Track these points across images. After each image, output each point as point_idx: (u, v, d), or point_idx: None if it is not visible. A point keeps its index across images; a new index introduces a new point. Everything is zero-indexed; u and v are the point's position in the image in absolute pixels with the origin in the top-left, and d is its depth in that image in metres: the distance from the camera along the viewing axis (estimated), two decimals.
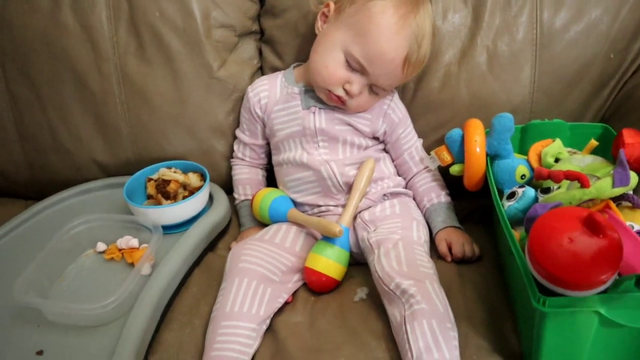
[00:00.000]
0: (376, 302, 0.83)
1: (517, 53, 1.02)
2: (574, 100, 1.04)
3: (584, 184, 0.71)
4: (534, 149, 0.92)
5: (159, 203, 0.98)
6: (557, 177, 0.73)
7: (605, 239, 0.60)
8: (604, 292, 0.61)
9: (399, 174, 1.03)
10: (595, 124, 0.98)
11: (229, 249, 0.96)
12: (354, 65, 0.89)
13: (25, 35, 1.05)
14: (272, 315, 0.82)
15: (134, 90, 1.07)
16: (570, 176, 0.73)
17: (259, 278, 0.82)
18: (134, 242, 0.92)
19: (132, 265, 0.90)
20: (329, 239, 0.87)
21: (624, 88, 1.05)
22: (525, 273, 0.65)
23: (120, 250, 0.93)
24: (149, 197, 1.01)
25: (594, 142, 0.91)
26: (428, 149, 1.02)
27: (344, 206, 0.93)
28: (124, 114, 1.08)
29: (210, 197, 1.04)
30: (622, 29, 1.01)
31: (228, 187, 1.10)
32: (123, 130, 1.09)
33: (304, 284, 0.89)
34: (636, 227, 0.71)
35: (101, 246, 0.94)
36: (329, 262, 0.86)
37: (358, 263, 0.94)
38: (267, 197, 0.98)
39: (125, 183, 0.99)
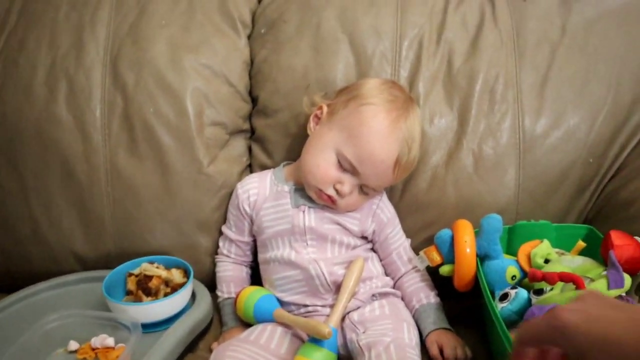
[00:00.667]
0: None
1: (501, 156, 1.04)
2: (557, 202, 1.06)
3: (579, 286, 0.71)
4: (523, 250, 0.93)
5: (139, 299, 0.94)
6: (552, 279, 0.73)
7: None
8: None
9: (386, 274, 1.02)
10: (580, 225, 1.00)
11: (210, 350, 0.92)
12: (345, 166, 0.91)
13: (17, 126, 1.05)
14: None
15: (122, 183, 1.06)
16: (565, 278, 0.72)
17: None
18: (110, 341, 0.88)
19: None
20: (316, 340, 0.84)
21: (604, 191, 1.07)
22: None
23: (94, 349, 0.87)
24: (129, 292, 0.97)
25: (581, 244, 0.92)
26: (416, 248, 1.02)
27: (331, 306, 0.91)
28: (109, 205, 1.06)
29: (193, 294, 1.01)
30: (599, 136, 1.05)
31: (211, 284, 1.07)
32: (106, 222, 1.07)
33: None
34: None
35: (73, 345, 0.88)
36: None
37: None
38: (252, 296, 0.95)
39: (105, 277, 0.96)
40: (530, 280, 0.77)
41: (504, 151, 1.05)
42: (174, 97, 1.05)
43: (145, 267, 0.99)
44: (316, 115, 0.98)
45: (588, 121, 1.05)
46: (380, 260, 1.02)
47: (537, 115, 1.05)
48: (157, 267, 0.99)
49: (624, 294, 0.75)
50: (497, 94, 1.06)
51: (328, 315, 0.89)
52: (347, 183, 0.91)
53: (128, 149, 1.06)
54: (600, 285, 0.71)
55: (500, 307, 0.81)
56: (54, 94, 1.05)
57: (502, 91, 1.06)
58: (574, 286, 0.72)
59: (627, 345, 0.35)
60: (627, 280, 0.73)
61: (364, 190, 0.94)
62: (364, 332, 0.86)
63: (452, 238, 0.93)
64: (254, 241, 1.04)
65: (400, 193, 1.07)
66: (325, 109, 0.96)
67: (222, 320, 1.01)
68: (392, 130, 0.90)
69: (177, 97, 1.05)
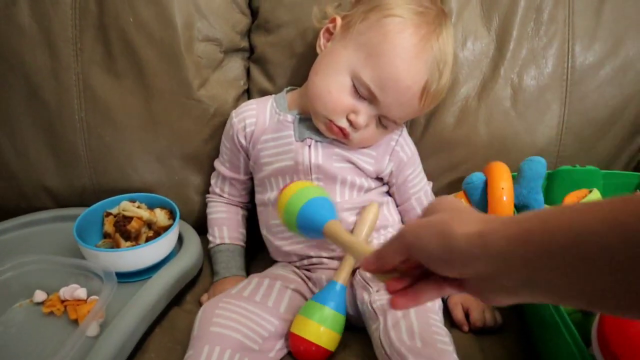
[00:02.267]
0: None
1: (544, 89, 0.92)
2: (606, 145, 0.95)
3: None
4: (568, 200, 0.82)
5: (116, 244, 0.84)
6: None
7: None
8: None
9: (403, 222, 0.90)
10: (632, 173, 0.91)
11: (200, 303, 0.84)
12: (362, 92, 0.77)
13: None
14: None
15: (97, 106, 0.94)
16: None
17: (234, 346, 0.67)
18: (81, 292, 0.77)
19: (76, 322, 0.74)
20: (322, 298, 0.72)
21: None
22: None
23: (63, 302, 0.77)
24: (106, 235, 0.87)
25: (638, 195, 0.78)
26: (438, 193, 0.93)
27: (340, 259, 0.80)
28: (82, 132, 0.94)
29: (180, 239, 0.91)
30: None
31: (202, 226, 0.96)
32: (81, 152, 0.95)
33: (289, 353, 0.74)
34: None
35: (39, 295, 0.78)
36: (321, 329, 0.71)
37: (354, 327, 0.79)
38: (301, 194, 0.68)
39: (78, 217, 0.85)
40: None
41: (548, 83, 0.93)
42: (157, 4, 0.90)
43: (125, 206, 0.89)
44: (328, 30, 0.83)
45: None
46: (397, 207, 0.90)
47: (591, 40, 0.93)
48: (139, 207, 0.89)
49: None
50: (544, 12, 0.93)
51: (336, 270, 0.78)
52: (364, 113, 0.77)
53: (104, 65, 0.93)
54: None
55: None
56: None
57: (551, 9, 0.93)
58: None
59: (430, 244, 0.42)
60: None
61: (383, 122, 0.81)
62: (377, 292, 0.75)
63: (486, 183, 0.83)
64: (251, 179, 0.92)
65: (423, 128, 0.96)
66: (339, 21, 0.82)
67: (213, 270, 0.91)
68: (422, 49, 0.75)
69: (161, 4, 0.90)
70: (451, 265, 0.42)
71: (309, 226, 0.66)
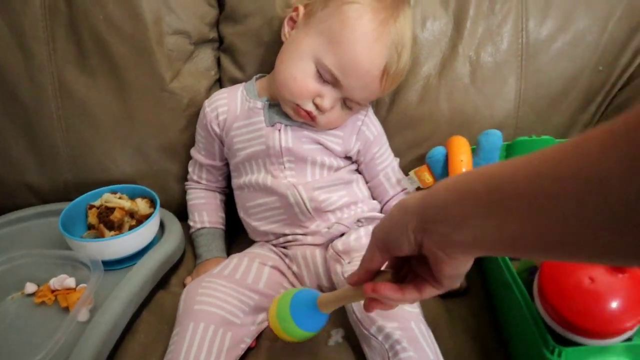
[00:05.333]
0: (354, 345, 0.73)
1: (501, 64, 0.95)
2: (561, 115, 0.97)
3: None
4: None
5: (101, 234, 0.86)
6: None
7: (630, 278, 0.51)
8: (628, 339, 0.52)
9: (373, 197, 0.93)
10: None
11: (184, 285, 0.86)
12: (325, 77, 0.80)
13: None
14: None
15: (74, 104, 0.95)
16: None
17: (217, 322, 0.71)
18: (70, 281, 0.80)
19: (67, 309, 0.77)
20: (300, 317, 0.63)
21: (612, 102, 0.99)
22: (533, 317, 0.56)
23: (53, 292, 0.80)
24: (90, 227, 0.89)
25: None
26: (405, 168, 0.94)
27: (313, 234, 0.84)
28: (61, 130, 0.96)
29: (162, 226, 0.93)
30: (611, 40, 0.95)
31: (182, 213, 0.98)
32: (60, 149, 0.97)
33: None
34: None
35: (30, 287, 0.81)
36: (288, 337, 0.64)
37: None
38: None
39: (62, 211, 0.87)
40: None
41: (504, 58, 0.95)
42: (126, 0, 0.92)
43: (107, 197, 0.91)
44: (291, 19, 0.85)
45: (600, 23, 0.95)
46: (367, 183, 0.93)
47: (543, 16, 0.95)
48: (120, 198, 0.91)
49: None
50: None
51: (310, 245, 0.81)
52: (328, 96, 0.80)
53: (77, 64, 0.94)
54: None
55: None
56: None
57: None
58: None
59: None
60: None
61: (348, 104, 0.84)
62: (349, 263, 0.79)
63: (446, 157, 0.85)
64: (227, 165, 0.95)
65: (387, 107, 0.97)
66: (301, 10, 0.84)
67: (195, 253, 0.94)
68: (380, 33, 0.78)
69: (129, 0, 0.92)
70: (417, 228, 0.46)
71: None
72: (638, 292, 0.51)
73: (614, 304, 0.50)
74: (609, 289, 0.51)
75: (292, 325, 0.62)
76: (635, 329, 0.51)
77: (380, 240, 0.51)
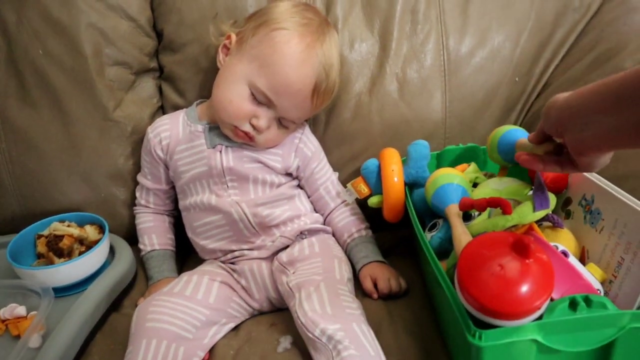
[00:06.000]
0: (302, 350, 0.76)
1: (426, 80, 1.01)
2: (485, 124, 1.04)
3: (505, 210, 0.69)
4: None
5: (51, 262, 0.87)
6: (481, 206, 0.71)
7: (536, 262, 0.57)
8: (539, 318, 0.58)
9: (316, 211, 0.98)
10: None
11: (137, 306, 0.86)
12: (260, 99, 0.84)
13: None
14: None
15: (18, 137, 0.97)
16: (493, 203, 0.70)
17: (169, 337, 0.73)
18: (21, 310, 0.80)
19: (18, 337, 0.78)
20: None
21: (530, 110, 1.06)
22: (457, 306, 0.61)
23: (3, 321, 0.80)
24: (40, 256, 0.91)
25: (507, 164, 0.90)
26: (345, 182, 0.98)
27: (259, 248, 0.89)
28: (6, 163, 0.97)
29: (112, 251, 0.95)
30: (524, 53, 1.03)
31: (132, 237, 1.00)
32: (6, 182, 0.98)
33: (222, 338, 0.81)
34: (560, 248, 0.69)
35: None
36: None
37: (279, 309, 0.88)
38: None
39: (9, 243, 0.88)
40: (461, 208, 0.75)
41: (429, 74, 1.01)
42: (64, 35, 0.95)
43: (55, 226, 0.92)
44: (225, 46, 0.90)
45: (513, 38, 1.03)
46: (309, 197, 0.98)
47: (462, 34, 1.02)
48: (69, 226, 0.93)
49: (550, 213, 0.74)
50: (419, 13, 1.02)
51: (256, 259, 0.85)
52: (264, 117, 0.85)
53: (19, 97, 0.96)
54: (527, 208, 0.69)
55: (429, 236, 0.79)
56: None
57: (425, 10, 1.02)
58: (501, 211, 0.70)
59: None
60: (553, 200, 0.72)
61: (283, 123, 0.89)
62: (293, 273, 0.83)
63: (379, 168, 0.90)
64: (173, 188, 0.98)
65: (324, 125, 1.02)
66: (233, 37, 0.89)
67: (147, 275, 0.96)
68: (307, 55, 0.83)
69: (68, 35, 0.95)
70: (558, 124, 0.57)
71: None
72: (543, 275, 0.57)
73: (523, 287, 0.55)
74: (516, 273, 0.56)
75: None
76: (543, 307, 0.57)
77: (542, 124, 0.62)
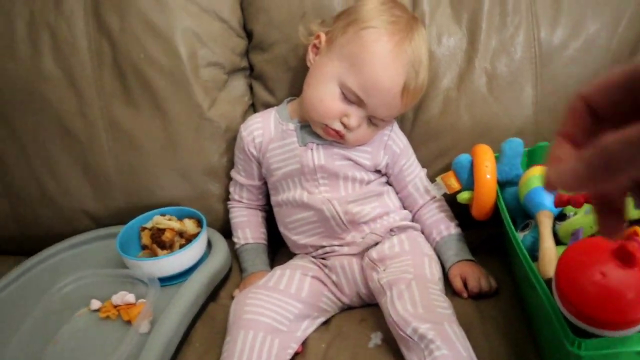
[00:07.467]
0: (392, 347, 0.77)
1: (516, 73, 0.98)
2: None
3: None
4: (533, 171, 0.88)
5: (154, 254, 0.93)
6: (577, 202, 0.69)
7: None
8: None
9: (404, 207, 0.98)
10: None
11: (232, 297, 0.92)
12: (350, 98, 0.86)
13: (6, 87, 1.02)
14: None
15: (122, 135, 1.03)
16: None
17: (265, 329, 0.77)
18: (130, 297, 0.87)
19: (129, 323, 0.84)
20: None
21: None
22: (555, 313, 0.60)
23: (115, 307, 0.87)
24: (144, 247, 0.97)
25: None
26: (432, 178, 0.98)
27: (348, 245, 0.91)
28: (112, 160, 1.04)
29: (209, 244, 1.00)
30: (622, 43, 0.98)
31: (227, 231, 1.05)
32: (112, 178, 1.05)
33: (313, 332, 0.84)
34: None
35: (95, 304, 0.88)
36: None
37: (368, 305, 0.90)
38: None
39: (118, 234, 0.94)
40: (556, 205, 0.73)
41: (519, 67, 0.98)
42: (162, 39, 1.00)
43: (157, 220, 0.98)
44: (314, 46, 0.92)
45: (610, 27, 0.97)
46: (397, 194, 0.98)
47: (553, 25, 0.98)
48: (170, 219, 0.98)
49: None
50: (508, 5, 0.99)
51: (346, 255, 0.87)
52: (354, 115, 0.86)
53: (123, 99, 1.02)
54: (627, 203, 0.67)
55: (521, 235, 0.78)
56: (38, 49, 1.00)
57: (514, 2, 0.99)
58: None
59: None
60: None
61: (373, 121, 0.89)
62: (384, 270, 0.84)
63: (472, 163, 0.89)
64: (265, 184, 1.01)
65: (412, 121, 1.02)
66: (323, 37, 0.90)
67: (241, 267, 1.00)
68: (397, 54, 0.83)
69: (166, 39, 1.00)
70: None
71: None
72: None
73: (626, 296, 0.55)
74: (620, 282, 0.55)
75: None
76: None
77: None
